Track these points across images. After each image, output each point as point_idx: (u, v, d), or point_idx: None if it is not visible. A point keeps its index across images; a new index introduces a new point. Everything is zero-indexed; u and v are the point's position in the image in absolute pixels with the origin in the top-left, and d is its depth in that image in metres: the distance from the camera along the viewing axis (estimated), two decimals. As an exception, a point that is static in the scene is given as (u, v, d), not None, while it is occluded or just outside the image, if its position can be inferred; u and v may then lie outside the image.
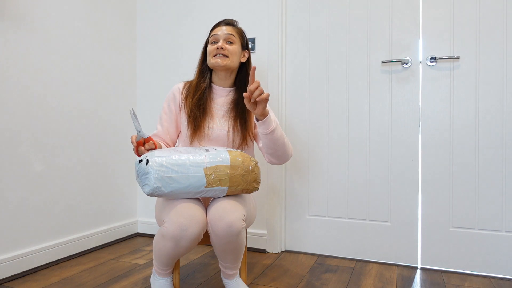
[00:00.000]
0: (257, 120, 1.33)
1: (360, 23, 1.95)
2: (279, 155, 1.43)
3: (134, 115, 1.25)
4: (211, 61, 1.45)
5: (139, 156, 1.28)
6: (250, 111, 1.48)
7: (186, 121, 1.46)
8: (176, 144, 1.58)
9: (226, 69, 1.47)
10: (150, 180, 1.15)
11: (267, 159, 1.46)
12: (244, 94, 1.24)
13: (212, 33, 1.48)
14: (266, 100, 1.26)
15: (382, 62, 1.87)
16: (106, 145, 2.20)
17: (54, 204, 1.88)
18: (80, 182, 2.03)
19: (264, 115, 1.31)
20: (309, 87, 2.06)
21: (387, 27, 1.90)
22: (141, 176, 1.17)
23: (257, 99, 1.24)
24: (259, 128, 1.34)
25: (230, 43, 1.46)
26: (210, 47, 1.47)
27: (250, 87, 1.24)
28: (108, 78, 2.21)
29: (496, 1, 1.72)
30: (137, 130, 1.26)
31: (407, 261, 1.87)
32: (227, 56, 1.45)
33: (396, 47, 1.88)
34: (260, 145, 1.49)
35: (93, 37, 2.11)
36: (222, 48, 1.43)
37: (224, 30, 1.46)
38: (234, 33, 1.47)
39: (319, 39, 2.04)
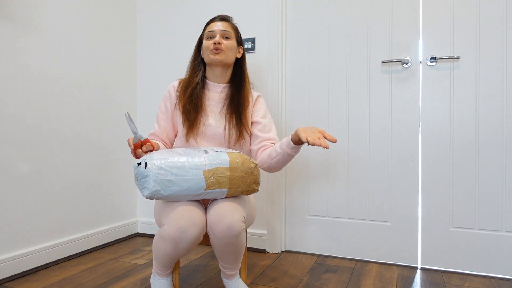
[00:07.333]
0: (294, 143, 1.31)
1: (360, 23, 1.94)
2: (282, 167, 1.44)
3: (129, 119, 1.24)
4: (209, 56, 1.46)
5: (137, 158, 1.27)
6: (246, 107, 1.50)
7: (181, 119, 1.47)
8: (174, 144, 1.58)
9: (223, 64, 1.48)
10: (149, 183, 1.14)
11: (265, 166, 1.43)
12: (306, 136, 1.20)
13: (208, 29, 1.49)
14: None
15: (382, 62, 1.87)
16: (106, 145, 2.20)
17: (54, 204, 1.88)
18: (80, 182, 2.03)
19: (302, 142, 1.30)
20: (309, 87, 2.05)
21: (387, 27, 1.89)
22: (140, 179, 1.16)
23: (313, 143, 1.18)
24: (291, 150, 1.32)
25: (226, 38, 1.48)
26: (206, 42, 1.48)
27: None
28: (107, 78, 2.21)
29: (496, 1, 1.71)
30: (133, 133, 1.26)
31: (407, 261, 1.87)
32: (223, 51, 1.46)
33: (396, 47, 1.87)
34: (254, 147, 1.50)
35: (93, 36, 2.10)
36: (219, 43, 1.44)
37: (220, 25, 1.48)
38: (229, 28, 1.49)
39: (319, 39, 2.03)
